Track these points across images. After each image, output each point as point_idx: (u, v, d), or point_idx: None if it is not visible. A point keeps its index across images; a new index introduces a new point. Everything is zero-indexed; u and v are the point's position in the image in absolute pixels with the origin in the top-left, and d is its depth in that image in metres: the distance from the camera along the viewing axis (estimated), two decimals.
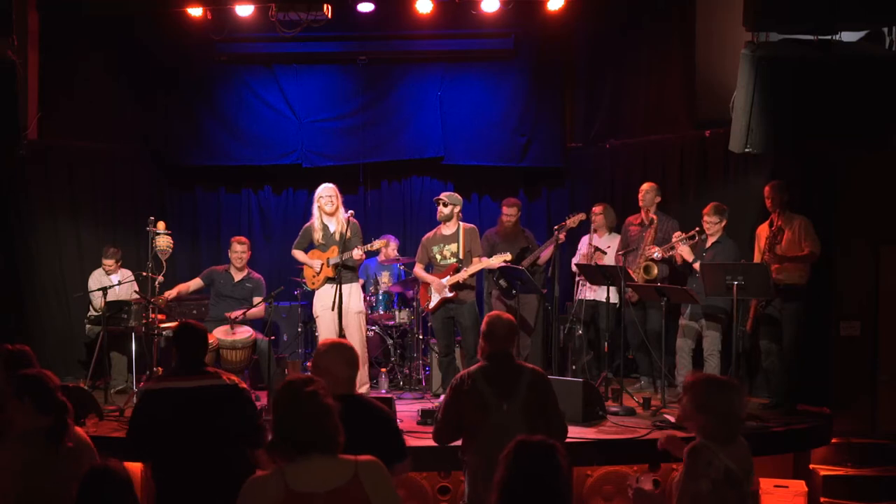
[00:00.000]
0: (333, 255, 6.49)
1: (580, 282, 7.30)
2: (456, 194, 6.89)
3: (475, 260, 6.64)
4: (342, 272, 6.37)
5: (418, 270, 6.86)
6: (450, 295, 6.57)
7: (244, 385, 3.81)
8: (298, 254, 6.75)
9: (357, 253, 6.46)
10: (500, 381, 3.74)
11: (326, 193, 6.61)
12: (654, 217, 7.02)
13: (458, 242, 6.66)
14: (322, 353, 3.38)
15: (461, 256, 6.63)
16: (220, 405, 3.63)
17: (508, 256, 6.58)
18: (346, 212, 6.59)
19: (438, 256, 6.73)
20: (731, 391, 3.14)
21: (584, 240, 7.47)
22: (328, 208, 6.59)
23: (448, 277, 6.58)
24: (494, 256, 6.58)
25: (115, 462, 2.75)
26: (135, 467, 5.54)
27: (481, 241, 6.94)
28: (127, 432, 3.78)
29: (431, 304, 6.69)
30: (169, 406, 3.61)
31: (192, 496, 3.57)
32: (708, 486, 3.01)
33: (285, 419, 2.60)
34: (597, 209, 7.43)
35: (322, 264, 6.57)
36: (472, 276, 6.61)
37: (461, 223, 6.75)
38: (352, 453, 2.62)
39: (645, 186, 7.21)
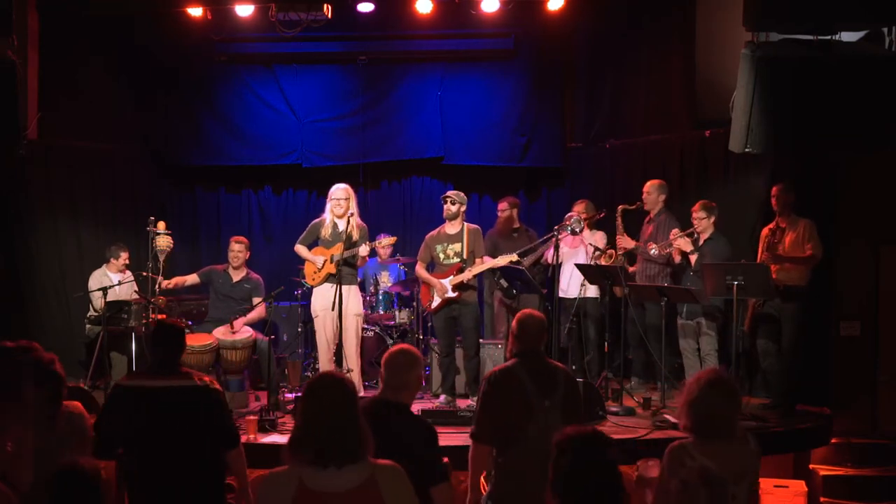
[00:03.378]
0: (338, 252, 6.50)
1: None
2: (462, 193, 6.84)
3: (478, 260, 6.62)
4: (343, 271, 6.38)
5: (420, 270, 6.83)
6: (453, 295, 6.55)
7: (217, 386, 3.77)
8: (301, 249, 6.73)
9: (364, 249, 6.48)
10: (541, 379, 3.72)
11: (337, 196, 6.60)
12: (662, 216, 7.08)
13: (462, 242, 6.64)
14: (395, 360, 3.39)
15: (465, 256, 6.61)
16: (190, 406, 3.61)
17: (514, 257, 6.56)
18: (358, 217, 6.59)
19: (442, 255, 6.70)
20: (717, 388, 3.08)
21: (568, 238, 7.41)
22: (338, 211, 6.59)
23: (451, 277, 6.57)
24: (500, 257, 6.55)
25: (86, 461, 2.73)
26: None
27: (483, 242, 6.94)
28: (93, 427, 3.75)
29: (434, 304, 6.67)
30: (137, 404, 3.60)
31: (161, 496, 3.57)
32: (677, 486, 3.01)
33: (308, 427, 2.56)
34: (578, 207, 7.39)
35: (325, 260, 6.56)
36: (475, 276, 6.59)
37: (465, 223, 6.73)
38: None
39: (647, 187, 7.20)
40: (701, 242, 6.63)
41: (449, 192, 6.79)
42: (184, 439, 3.57)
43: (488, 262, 6.59)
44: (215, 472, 3.71)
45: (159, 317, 6.68)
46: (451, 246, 6.68)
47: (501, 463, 3.74)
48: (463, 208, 6.74)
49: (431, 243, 6.78)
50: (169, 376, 3.65)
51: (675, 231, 6.75)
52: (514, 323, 3.86)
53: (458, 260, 6.62)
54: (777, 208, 6.38)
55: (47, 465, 2.85)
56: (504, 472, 3.73)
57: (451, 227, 6.73)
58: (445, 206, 6.71)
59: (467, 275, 6.52)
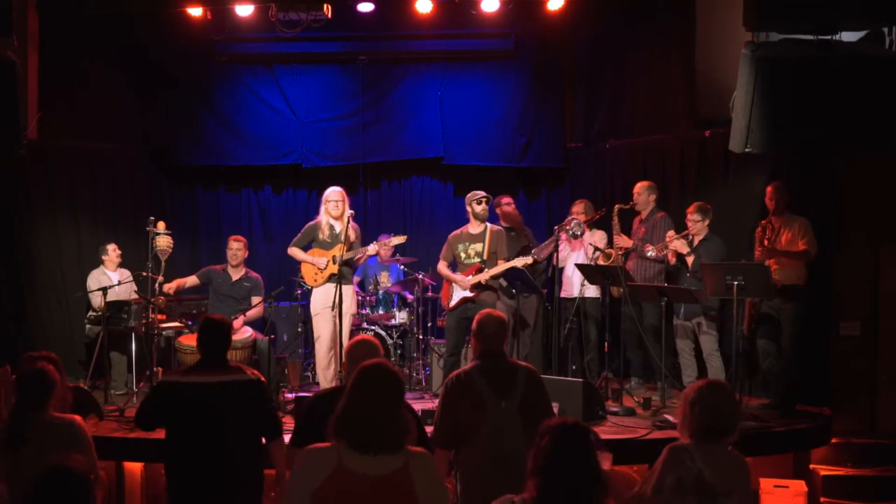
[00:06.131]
0: (338, 252, 6.52)
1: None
2: None
3: (500, 262, 6.59)
4: (343, 271, 6.41)
5: (441, 268, 6.80)
6: (470, 295, 6.54)
7: (264, 379, 3.91)
8: (297, 251, 6.76)
9: (373, 248, 6.59)
10: (497, 379, 3.70)
11: (333, 198, 6.67)
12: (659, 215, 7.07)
13: (483, 242, 6.62)
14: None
15: (485, 257, 6.58)
16: (244, 399, 3.74)
17: (530, 260, 6.56)
18: (349, 211, 6.63)
19: (463, 255, 6.69)
20: (717, 390, 3.15)
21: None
22: (334, 213, 6.65)
23: (470, 277, 6.56)
24: (517, 258, 6.53)
25: (76, 460, 2.74)
26: (134, 468, 5.57)
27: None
28: (137, 412, 3.87)
29: (452, 303, 6.65)
30: (189, 399, 3.69)
31: (206, 488, 3.67)
32: (672, 482, 3.03)
33: (355, 413, 2.63)
34: (576, 208, 7.39)
35: (328, 261, 6.59)
36: (494, 277, 6.55)
37: (488, 224, 6.72)
38: None
39: (637, 188, 7.22)
40: (695, 244, 6.65)
41: (481, 193, 6.72)
42: (235, 431, 3.70)
43: (503, 265, 6.55)
44: (257, 464, 3.86)
45: (160, 317, 6.70)
46: (472, 245, 6.67)
47: (456, 462, 3.76)
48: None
49: (454, 242, 6.77)
50: (219, 371, 3.77)
51: (671, 233, 6.77)
52: (473, 324, 3.85)
53: (479, 260, 6.60)
54: (772, 207, 6.38)
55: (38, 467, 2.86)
56: (462, 472, 3.74)
57: (473, 228, 6.71)
58: (481, 207, 6.66)
59: (485, 275, 6.47)
